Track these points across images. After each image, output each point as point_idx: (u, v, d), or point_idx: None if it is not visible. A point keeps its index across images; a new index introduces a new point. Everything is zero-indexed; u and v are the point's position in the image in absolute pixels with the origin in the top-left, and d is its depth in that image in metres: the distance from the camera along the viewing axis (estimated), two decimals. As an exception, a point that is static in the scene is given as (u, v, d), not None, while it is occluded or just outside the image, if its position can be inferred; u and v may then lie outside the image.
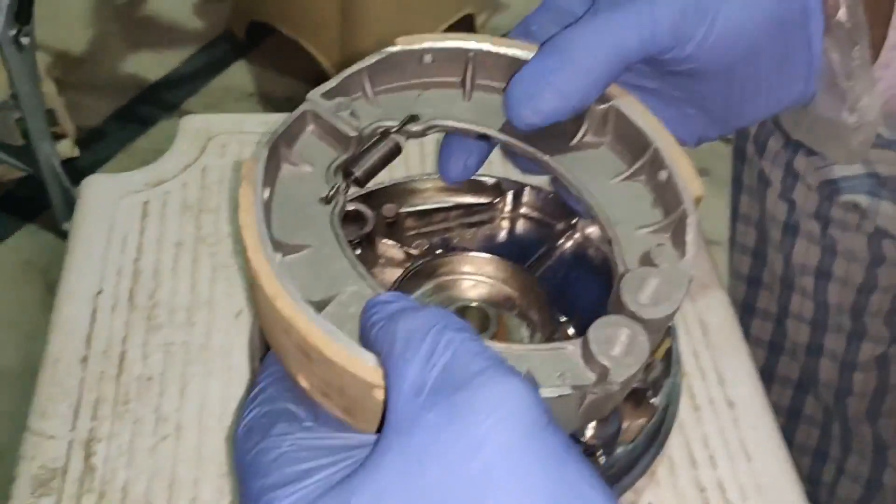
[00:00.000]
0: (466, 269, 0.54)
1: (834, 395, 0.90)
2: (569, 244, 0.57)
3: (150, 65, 2.25)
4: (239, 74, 2.25)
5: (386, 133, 0.48)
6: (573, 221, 0.57)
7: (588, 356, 0.38)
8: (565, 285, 0.55)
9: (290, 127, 0.46)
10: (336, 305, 0.40)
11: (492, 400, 0.31)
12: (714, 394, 0.57)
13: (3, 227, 1.88)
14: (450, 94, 0.51)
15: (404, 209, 0.57)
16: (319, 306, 0.40)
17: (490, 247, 0.57)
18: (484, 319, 0.50)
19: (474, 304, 0.51)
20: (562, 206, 0.58)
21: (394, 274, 0.54)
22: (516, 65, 0.49)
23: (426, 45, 0.49)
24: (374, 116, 0.48)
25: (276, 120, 0.74)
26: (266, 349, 0.50)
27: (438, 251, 0.55)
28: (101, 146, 2.01)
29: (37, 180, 1.70)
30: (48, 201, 1.71)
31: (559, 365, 0.37)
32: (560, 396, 0.37)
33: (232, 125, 0.74)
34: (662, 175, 0.46)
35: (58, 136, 1.92)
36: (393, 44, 0.49)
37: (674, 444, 0.54)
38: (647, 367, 0.50)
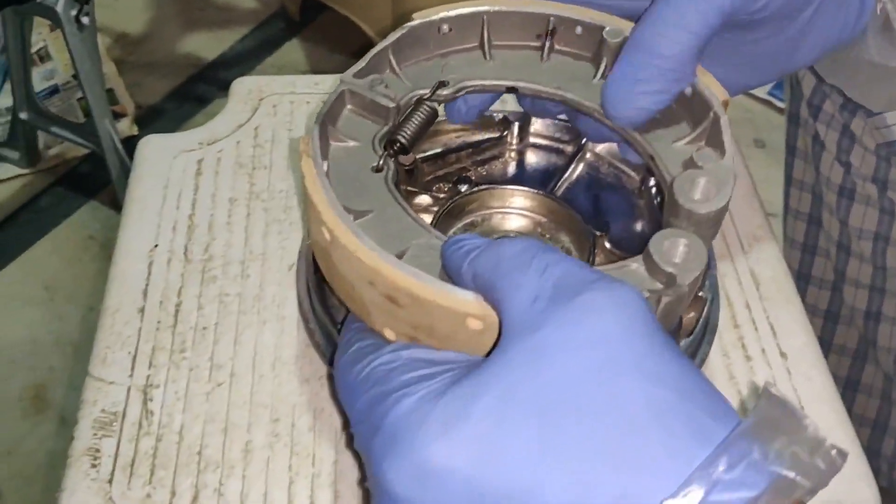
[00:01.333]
0: (494, 203, 0.55)
1: (894, 361, 0.89)
2: (581, 165, 0.58)
3: (206, 44, 2.29)
4: (293, 52, 2.28)
5: (420, 101, 0.52)
6: (582, 142, 0.58)
7: (652, 268, 0.41)
8: (587, 203, 0.56)
9: (332, 107, 0.50)
10: (409, 258, 0.43)
11: (612, 300, 0.33)
12: (766, 345, 0.56)
13: (66, 204, 1.93)
14: (472, 56, 0.54)
15: (419, 155, 0.58)
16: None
17: (506, 179, 0.58)
18: None
19: (512, 235, 0.52)
20: (568, 130, 0.59)
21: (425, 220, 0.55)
22: (531, 20, 0.53)
23: (441, 15, 0.53)
24: (406, 89, 0.52)
25: (325, 81, 0.75)
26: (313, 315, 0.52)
27: (464, 189, 0.55)
28: (159, 124, 2.05)
29: (98, 157, 1.75)
30: (109, 178, 1.76)
31: (627, 280, 0.39)
32: None
33: (282, 86, 0.75)
34: (687, 90, 0.48)
35: (118, 115, 1.96)
36: (412, 20, 0.53)
37: (725, 394, 0.53)
38: None
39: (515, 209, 0.55)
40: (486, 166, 0.59)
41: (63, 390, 1.58)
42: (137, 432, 0.53)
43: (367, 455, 0.35)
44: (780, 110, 1.79)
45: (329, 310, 0.53)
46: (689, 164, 0.45)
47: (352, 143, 0.50)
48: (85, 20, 1.57)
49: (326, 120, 0.49)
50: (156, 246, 0.63)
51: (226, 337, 0.57)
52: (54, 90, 1.90)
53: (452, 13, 0.53)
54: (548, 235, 0.54)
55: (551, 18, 0.53)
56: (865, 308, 0.88)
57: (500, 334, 0.36)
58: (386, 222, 0.45)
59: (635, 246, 0.46)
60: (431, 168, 0.58)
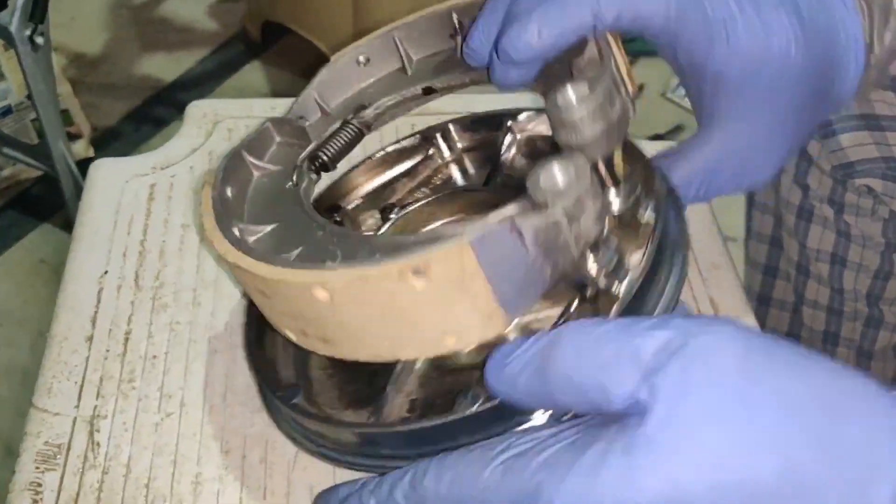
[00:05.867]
0: (439, 215, 0.55)
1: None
2: (513, 150, 0.56)
3: (165, 66, 2.27)
4: (253, 75, 2.26)
5: (345, 123, 0.52)
6: (509, 125, 0.56)
7: (531, 201, 0.38)
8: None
9: (253, 140, 0.51)
10: (301, 254, 0.43)
11: (701, 346, 0.32)
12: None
13: (18, 227, 1.89)
14: (395, 77, 0.55)
15: (350, 204, 0.58)
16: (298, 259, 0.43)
17: (456, 189, 0.57)
18: None
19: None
20: (488, 120, 0.57)
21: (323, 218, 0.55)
22: (439, 23, 0.53)
23: (354, 46, 0.54)
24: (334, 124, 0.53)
25: (283, 105, 0.75)
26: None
27: (393, 216, 0.55)
28: (116, 146, 2.02)
29: (51, 180, 1.72)
30: (62, 201, 1.72)
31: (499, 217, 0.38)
32: (499, 228, 0.37)
33: (238, 110, 0.74)
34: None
35: (73, 137, 1.93)
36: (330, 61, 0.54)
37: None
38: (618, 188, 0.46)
39: (461, 214, 0.54)
40: (427, 188, 0.58)
41: (10, 419, 1.54)
42: (83, 465, 0.51)
43: None
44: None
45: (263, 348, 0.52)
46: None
47: (276, 168, 0.50)
48: (39, 40, 1.54)
49: (244, 153, 0.50)
50: (106, 272, 0.61)
51: (176, 366, 0.56)
52: (7, 111, 1.87)
53: (363, 41, 0.54)
54: None
55: (453, 14, 0.52)
56: (823, 329, 0.89)
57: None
58: (288, 229, 0.45)
59: None
60: (371, 206, 0.57)
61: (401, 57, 0.54)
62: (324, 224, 0.45)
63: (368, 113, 0.52)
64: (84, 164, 1.82)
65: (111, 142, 2.05)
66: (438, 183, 0.58)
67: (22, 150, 1.77)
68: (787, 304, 0.91)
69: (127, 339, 0.57)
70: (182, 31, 2.38)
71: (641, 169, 0.47)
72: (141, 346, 0.57)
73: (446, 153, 0.59)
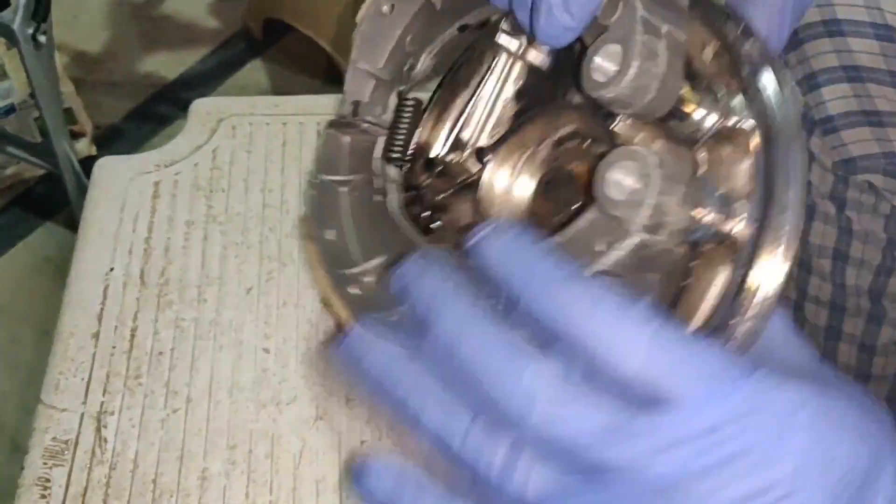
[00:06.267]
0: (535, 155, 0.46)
1: (854, 379, 0.90)
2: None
3: (167, 64, 2.27)
4: (255, 72, 2.26)
5: (400, 102, 0.48)
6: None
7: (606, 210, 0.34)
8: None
9: (324, 155, 0.47)
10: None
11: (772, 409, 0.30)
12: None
13: (22, 225, 1.90)
14: (426, 16, 0.49)
15: (441, 152, 0.50)
16: None
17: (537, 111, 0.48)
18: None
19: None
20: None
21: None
22: None
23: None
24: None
25: (286, 102, 0.75)
26: None
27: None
28: (118, 145, 2.02)
29: (55, 178, 1.72)
30: (66, 199, 1.73)
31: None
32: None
33: (242, 108, 0.74)
34: None
35: (76, 135, 1.94)
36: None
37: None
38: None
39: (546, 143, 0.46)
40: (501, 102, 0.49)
41: (15, 415, 1.55)
42: (90, 461, 0.52)
43: None
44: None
45: None
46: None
47: (357, 178, 0.48)
48: (42, 39, 1.55)
49: (322, 173, 0.47)
50: (111, 269, 0.62)
51: (182, 362, 0.56)
52: (10, 109, 1.87)
53: None
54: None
55: None
56: (826, 325, 0.89)
57: None
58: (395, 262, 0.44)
59: None
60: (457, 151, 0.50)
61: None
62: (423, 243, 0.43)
63: (418, 73, 0.49)
64: (87, 163, 1.83)
65: (114, 140, 2.05)
66: (517, 91, 0.49)
67: (25, 149, 1.77)
68: (789, 301, 0.92)
69: (133, 336, 0.58)
70: (184, 28, 2.38)
71: (726, 60, 0.38)
72: (147, 342, 0.57)
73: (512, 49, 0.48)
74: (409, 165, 0.47)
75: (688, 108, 0.38)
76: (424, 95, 0.50)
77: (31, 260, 1.84)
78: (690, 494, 0.29)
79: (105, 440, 0.53)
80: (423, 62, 0.49)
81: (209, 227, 0.64)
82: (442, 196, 0.49)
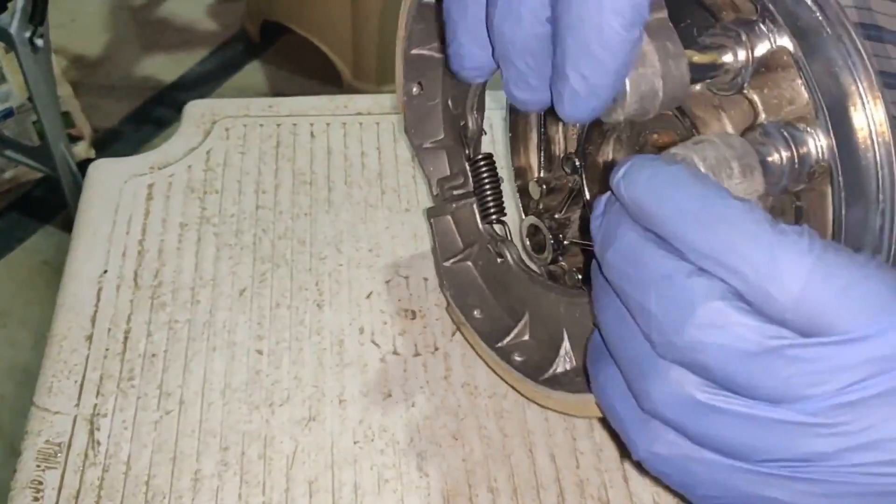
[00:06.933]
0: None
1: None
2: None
3: (165, 66, 2.27)
4: (253, 74, 2.27)
5: (473, 163, 0.53)
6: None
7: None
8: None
9: (439, 242, 0.54)
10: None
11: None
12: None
13: (20, 229, 1.90)
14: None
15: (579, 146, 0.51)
16: None
17: None
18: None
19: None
20: None
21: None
22: None
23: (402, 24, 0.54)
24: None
25: (280, 104, 0.75)
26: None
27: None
28: (116, 148, 2.02)
29: (53, 181, 1.72)
30: (64, 202, 1.73)
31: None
32: None
33: (236, 109, 0.74)
34: None
35: (74, 138, 1.94)
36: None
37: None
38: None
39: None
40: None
41: (13, 418, 1.55)
42: (83, 463, 0.52)
43: None
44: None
45: None
46: None
47: (475, 249, 0.52)
48: (39, 42, 1.55)
49: (443, 260, 0.52)
50: (105, 272, 0.62)
51: (175, 364, 0.56)
52: (8, 113, 1.87)
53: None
54: None
55: None
56: None
57: None
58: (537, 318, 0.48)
59: None
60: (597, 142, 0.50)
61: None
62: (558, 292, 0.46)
63: (472, 132, 0.53)
64: (85, 166, 1.83)
65: (112, 143, 2.06)
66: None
67: (23, 153, 1.77)
68: None
69: (126, 338, 0.58)
70: (181, 31, 2.38)
71: None
72: (140, 344, 0.57)
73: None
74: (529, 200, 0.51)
75: (717, 61, 0.37)
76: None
77: (28, 263, 1.84)
78: (860, 423, 0.28)
79: (98, 442, 0.53)
80: (471, 119, 0.52)
81: (203, 228, 0.64)
82: (559, 214, 0.52)
